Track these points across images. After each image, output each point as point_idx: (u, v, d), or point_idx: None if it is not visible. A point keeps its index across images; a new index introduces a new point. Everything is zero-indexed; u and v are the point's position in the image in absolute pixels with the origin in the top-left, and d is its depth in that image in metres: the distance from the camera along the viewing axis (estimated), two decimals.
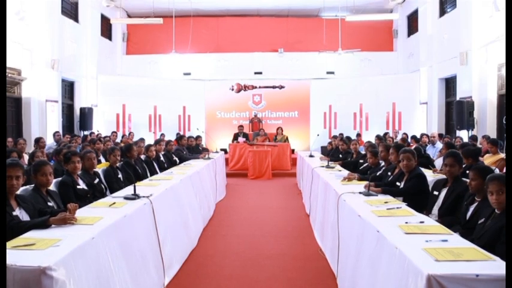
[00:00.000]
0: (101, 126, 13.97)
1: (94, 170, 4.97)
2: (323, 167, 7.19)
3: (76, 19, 13.68)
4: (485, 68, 10.35)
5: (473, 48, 10.71)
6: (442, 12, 12.99)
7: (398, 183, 4.71)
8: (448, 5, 12.71)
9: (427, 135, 10.56)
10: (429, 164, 7.04)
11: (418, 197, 4.33)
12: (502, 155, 6.95)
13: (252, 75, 15.99)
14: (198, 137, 11.15)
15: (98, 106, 14.22)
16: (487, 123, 10.26)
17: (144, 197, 4.09)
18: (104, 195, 4.62)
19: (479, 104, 10.50)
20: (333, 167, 7.13)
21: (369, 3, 14.78)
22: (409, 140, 10.77)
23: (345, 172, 6.19)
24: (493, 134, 9.64)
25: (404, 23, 15.94)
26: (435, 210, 4.07)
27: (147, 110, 15.01)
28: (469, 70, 10.85)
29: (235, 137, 13.93)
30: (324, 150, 11.64)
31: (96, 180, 4.85)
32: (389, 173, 5.18)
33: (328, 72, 15.87)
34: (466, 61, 10.93)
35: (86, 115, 13.29)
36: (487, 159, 7.03)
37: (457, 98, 11.35)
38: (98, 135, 11.59)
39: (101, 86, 14.47)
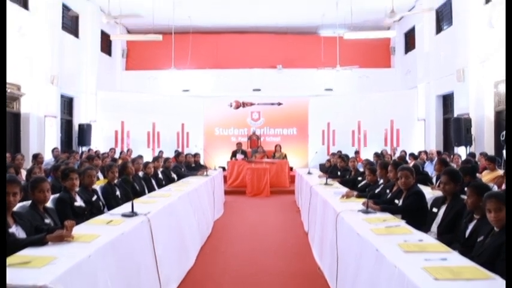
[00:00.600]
0: (100, 142, 13.96)
1: (92, 187, 4.96)
2: (321, 184, 7.18)
3: (76, 35, 13.79)
4: (482, 85, 10.43)
5: (469, 66, 10.81)
6: (439, 29, 13.15)
7: (397, 201, 4.69)
8: (444, 22, 12.86)
9: (426, 152, 10.57)
10: (427, 181, 7.04)
11: (417, 215, 4.31)
12: (501, 172, 6.96)
13: (250, 92, 16.06)
14: (196, 154, 11.15)
15: (96, 122, 14.24)
16: (484, 139, 10.29)
17: (141, 214, 4.07)
18: (101, 212, 4.60)
19: (476, 121, 10.55)
20: (331, 184, 7.12)
21: (367, 21, 14.94)
22: (408, 157, 10.77)
23: (344, 189, 6.18)
24: (490, 151, 9.67)
25: (402, 40, 16.12)
26: (434, 227, 4.05)
27: (146, 126, 15.01)
28: (466, 87, 10.93)
29: (234, 154, 13.93)
30: (323, 168, 11.62)
31: (94, 197, 4.83)
32: (387, 191, 5.17)
33: (326, 89, 15.96)
34: (463, 78, 11.01)
35: (85, 131, 13.30)
36: (485, 176, 7.03)
37: (455, 115, 11.41)
38: (96, 151, 11.57)
39: (100, 102, 14.50)
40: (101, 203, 4.93)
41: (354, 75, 15.71)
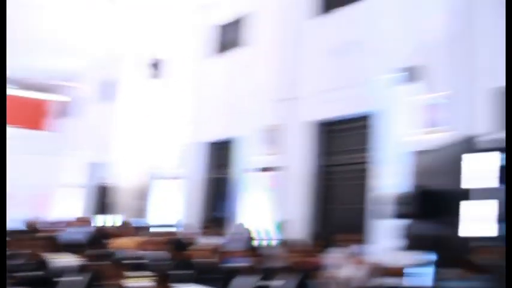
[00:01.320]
0: None
1: None
2: None
3: None
4: (129, 157, 11.69)
5: (113, 138, 12.23)
6: (99, 100, 14.00)
7: None
8: (106, 94, 13.63)
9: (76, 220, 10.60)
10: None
11: None
12: (141, 238, 7.41)
13: None
14: None
15: None
16: (126, 207, 11.25)
17: None
18: None
19: (119, 189, 11.60)
20: None
21: (36, 80, 14.54)
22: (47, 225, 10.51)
23: None
24: (133, 217, 10.44)
25: (66, 105, 16.32)
26: None
27: None
28: (112, 158, 12.17)
29: None
30: None
31: None
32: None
33: None
34: (110, 149, 12.28)
35: None
36: (120, 242, 7.44)
37: (104, 182, 12.38)
38: None
39: None
40: None
41: (13, 136, 14.80)
